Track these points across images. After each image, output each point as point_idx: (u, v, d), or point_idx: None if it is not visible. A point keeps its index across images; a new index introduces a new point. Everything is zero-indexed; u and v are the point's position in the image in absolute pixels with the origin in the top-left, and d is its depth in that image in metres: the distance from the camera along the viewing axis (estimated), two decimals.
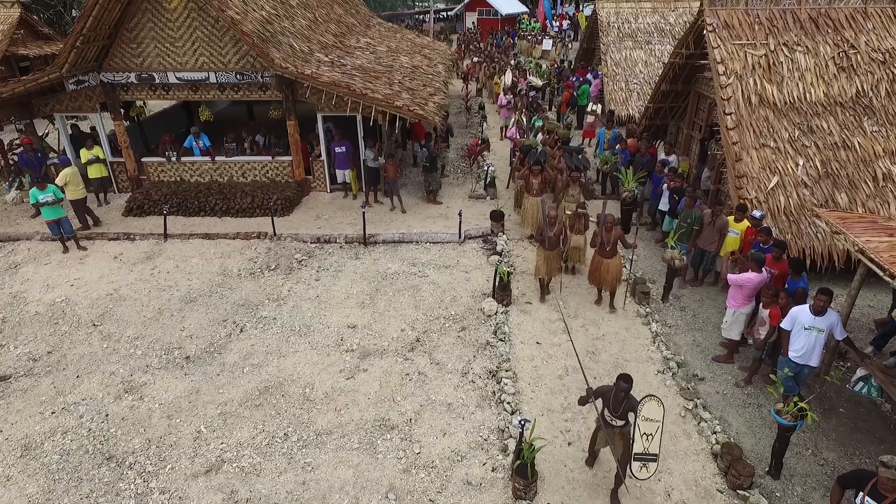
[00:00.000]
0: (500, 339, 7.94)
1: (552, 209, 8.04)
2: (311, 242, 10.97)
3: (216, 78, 11.72)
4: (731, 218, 8.83)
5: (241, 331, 8.31)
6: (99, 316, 8.66)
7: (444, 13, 56.33)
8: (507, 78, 17.30)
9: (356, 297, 9.16)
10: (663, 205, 10.54)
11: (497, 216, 10.87)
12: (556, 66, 22.52)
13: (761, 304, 6.80)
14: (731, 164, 9.36)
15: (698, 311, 8.82)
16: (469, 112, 19.02)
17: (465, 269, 9.99)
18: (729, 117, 9.52)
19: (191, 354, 7.79)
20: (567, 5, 51.47)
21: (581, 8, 54.36)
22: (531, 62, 27.41)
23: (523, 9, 47.13)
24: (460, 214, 10.72)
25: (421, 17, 49.62)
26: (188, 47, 11.47)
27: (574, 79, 18.80)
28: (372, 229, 11.16)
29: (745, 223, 8.66)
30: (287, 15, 13.35)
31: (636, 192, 11.01)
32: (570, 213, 8.94)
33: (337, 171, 12.73)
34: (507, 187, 13.14)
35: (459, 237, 10.89)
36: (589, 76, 20.12)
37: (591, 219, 9.50)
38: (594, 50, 22.05)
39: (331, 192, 13.21)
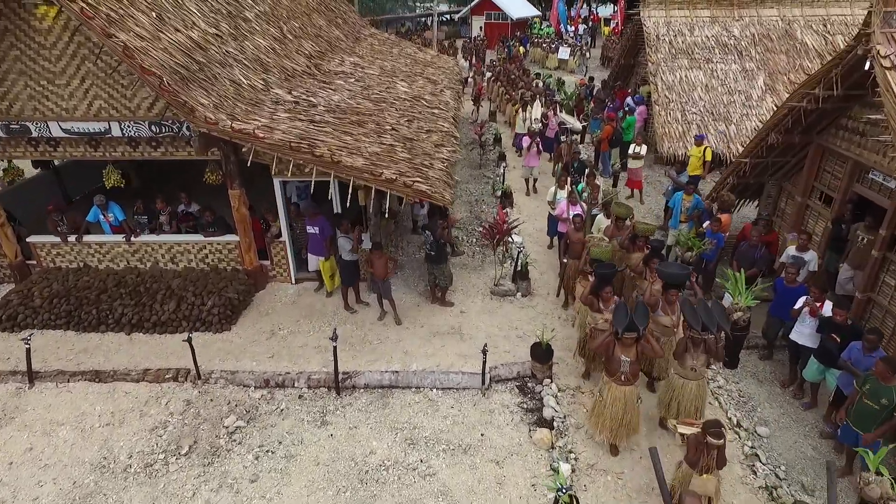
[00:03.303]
0: None
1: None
2: (254, 388, 7.17)
3: (122, 130, 7.92)
4: None
5: None
6: None
7: (448, 16, 52.56)
8: (535, 112, 13.40)
9: None
10: (801, 335, 6.74)
11: (541, 355, 7.04)
12: (585, 85, 18.71)
13: None
14: None
15: None
16: (483, 148, 15.20)
17: (495, 453, 6.17)
18: None
19: None
20: (583, 6, 47.58)
21: (594, 10, 50.53)
22: (549, 76, 23.62)
23: (535, 12, 43.29)
24: (485, 352, 6.88)
25: (423, 20, 45.85)
26: (77, 86, 7.68)
27: (613, 106, 14.98)
28: (350, 360, 7.40)
29: None
30: (237, 33, 9.55)
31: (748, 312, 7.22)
32: (691, 432, 4.80)
33: (310, 255, 8.98)
34: (558, 295, 9.02)
35: (483, 383, 7.08)
36: (629, 101, 16.26)
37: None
38: (633, 67, 18.24)
39: (297, 282, 9.41)
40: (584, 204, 8.60)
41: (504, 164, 14.05)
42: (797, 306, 6.76)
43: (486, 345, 6.93)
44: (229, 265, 9.17)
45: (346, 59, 13.42)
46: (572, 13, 44.27)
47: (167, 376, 7.29)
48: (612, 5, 55.05)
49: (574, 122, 12.39)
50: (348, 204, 7.55)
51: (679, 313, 6.13)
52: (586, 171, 9.97)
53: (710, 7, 15.82)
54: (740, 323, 7.15)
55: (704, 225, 8.78)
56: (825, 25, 15.37)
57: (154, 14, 7.67)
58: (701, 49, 15.34)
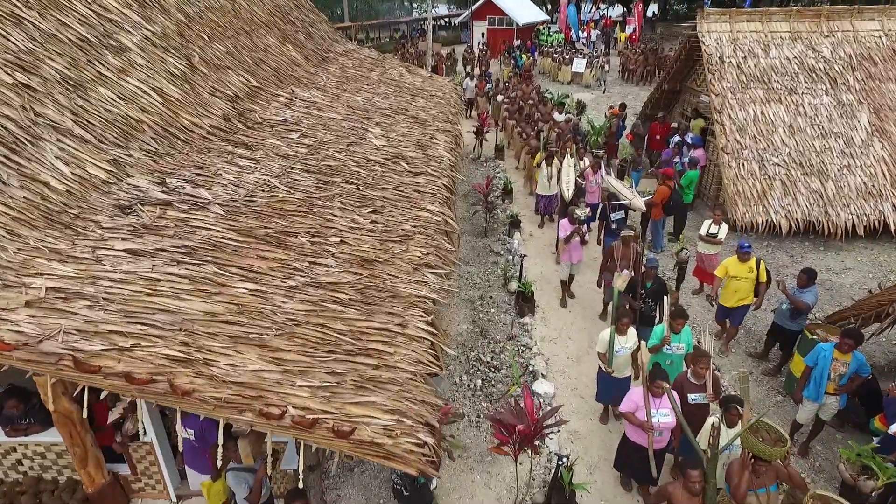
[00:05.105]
0: None
1: None
2: None
3: None
4: None
5: None
6: None
7: (447, 19, 48.78)
8: (570, 175, 9.36)
9: None
10: None
11: None
12: (618, 115, 14.83)
13: None
14: None
15: None
16: (490, 211, 11.30)
17: None
18: None
19: None
20: (595, 9, 43.69)
21: (606, 13, 46.67)
22: (566, 97, 19.72)
23: (543, 16, 39.44)
24: None
25: (420, 24, 41.96)
26: None
27: (677, 160, 11.08)
28: None
29: None
30: (84, 77, 5.72)
31: None
32: None
33: (187, 468, 5.21)
34: None
35: None
36: (677, 140, 12.40)
37: None
38: (679, 93, 14.38)
39: (178, 499, 5.58)
40: (673, 400, 4.55)
41: (520, 247, 10.20)
42: None
43: None
44: (62, 473, 5.36)
45: (300, 94, 9.58)
46: (582, 17, 40.46)
47: None
48: (620, 6, 51.20)
49: (634, 197, 8.18)
50: None
51: None
52: (672, 305, 5.84)
53: (789, 19, 11.97)
54: None
55: (892, 429, 4.92)
56: None
57: None
58: (780, 75, 11.48)
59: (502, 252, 10.47)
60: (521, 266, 8.80)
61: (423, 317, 4.83)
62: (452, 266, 5.93)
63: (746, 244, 7.16)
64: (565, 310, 8.81)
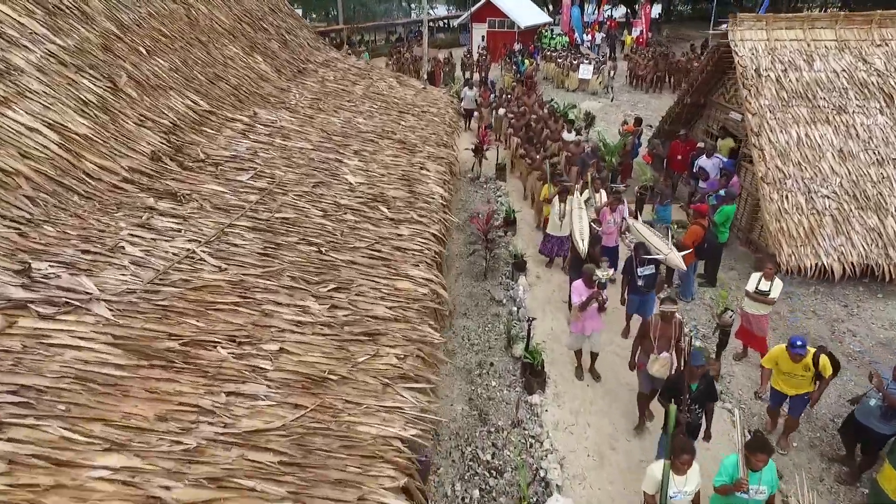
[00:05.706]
0: None
1: None
2: None
3: None
4: None
5: None
6: None
7: (446, 21, 47.25)
8: (583, 224, 7.71)
9: None
10: None
11: None
12: (633, 132, 13.24)
13: None
14: None
15: None
16: (490, 249, 9.72)
17: None
18: None
19: None
20: (598, 10, 42.07)
21: (611, 15, 45.14)
22: (573, 107, 18.16)
23: (545, 18, 37.88)
24: None
25: (418, 27, 40.45)
26: None
27: (715, 192, 9.49)
28: None
29: None
30: None
31: None
32: None
33: None
34: None
35: None
36: (704, 163, 10.85)
37: None
38: (703, 107, 12.81)
39: None
40: None
41: (525, 295, 8.62)
42: None
43: None
44: None
45: (263, 116, 8.01)
46: (586, 19, 38.93)
47: None
48: (623, 7, 49.66)
49: (670, 251, 6.77)
50: None
51: None
52: (747, 430, 4.21)
53: (834, 26, 10.40)
54: None
55: None
56: None
57: None
58: (827, 91, 9.91)
59: (504, 301, 8.91)
60: (530, 330, 7.20)
61: (393, 478, 3.26)
62: (441, 372, 4.37)
63: (799, 341, 5.45)
64: (582, 382, 7.24)
